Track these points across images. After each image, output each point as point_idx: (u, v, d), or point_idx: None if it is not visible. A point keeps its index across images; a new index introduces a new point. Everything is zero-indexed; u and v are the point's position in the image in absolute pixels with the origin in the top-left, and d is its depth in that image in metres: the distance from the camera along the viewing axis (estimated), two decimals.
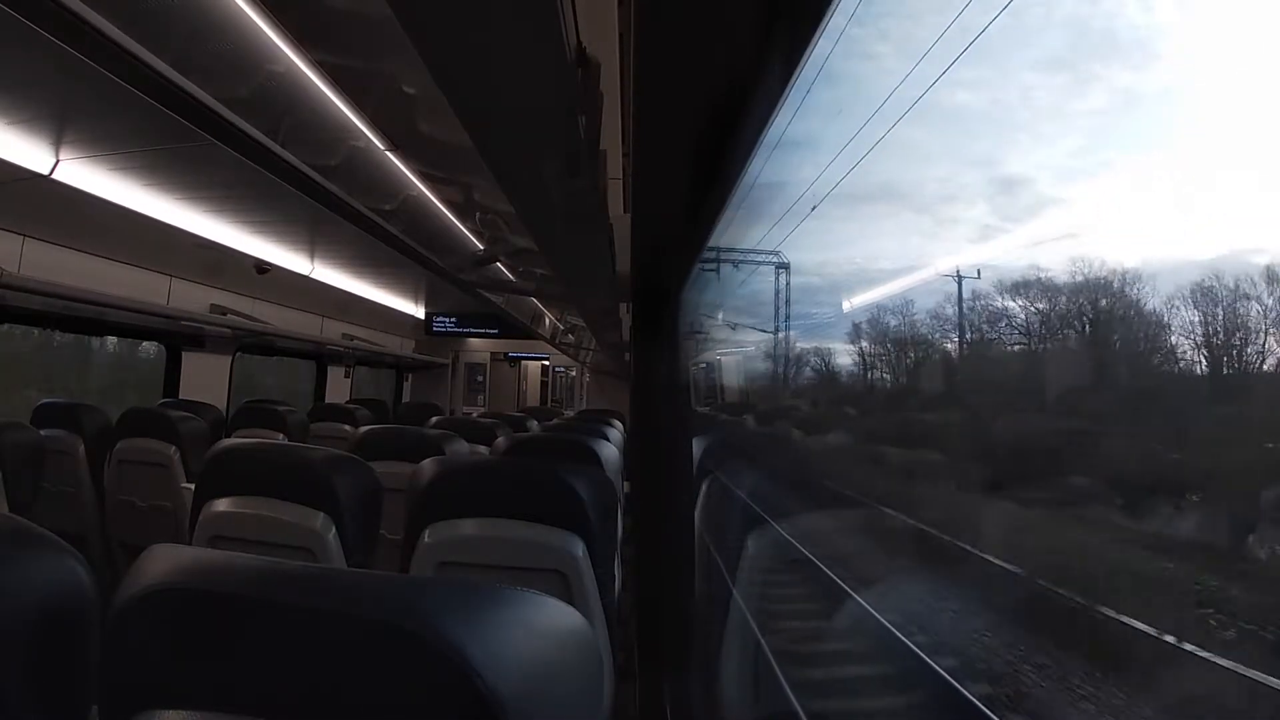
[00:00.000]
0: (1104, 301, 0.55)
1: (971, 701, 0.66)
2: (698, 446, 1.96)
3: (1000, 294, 0.64)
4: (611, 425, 3.39)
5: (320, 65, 1.65)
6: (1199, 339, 0.50)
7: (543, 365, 9.64)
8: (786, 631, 1.30)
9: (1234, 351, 0.48)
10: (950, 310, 0.72)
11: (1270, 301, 0.46)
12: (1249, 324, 0.46)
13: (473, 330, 7.14)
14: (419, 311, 6.57)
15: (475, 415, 4.77)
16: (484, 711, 0.47)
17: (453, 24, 0.98)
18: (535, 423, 4.12)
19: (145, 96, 1.55)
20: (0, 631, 0.59)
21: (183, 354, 4.17)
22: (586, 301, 3.94)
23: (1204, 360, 0.50)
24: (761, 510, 1.41)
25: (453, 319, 6.90)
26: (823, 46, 0.70)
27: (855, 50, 0.75)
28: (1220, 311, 0.47)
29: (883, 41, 0.77)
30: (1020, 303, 0.60)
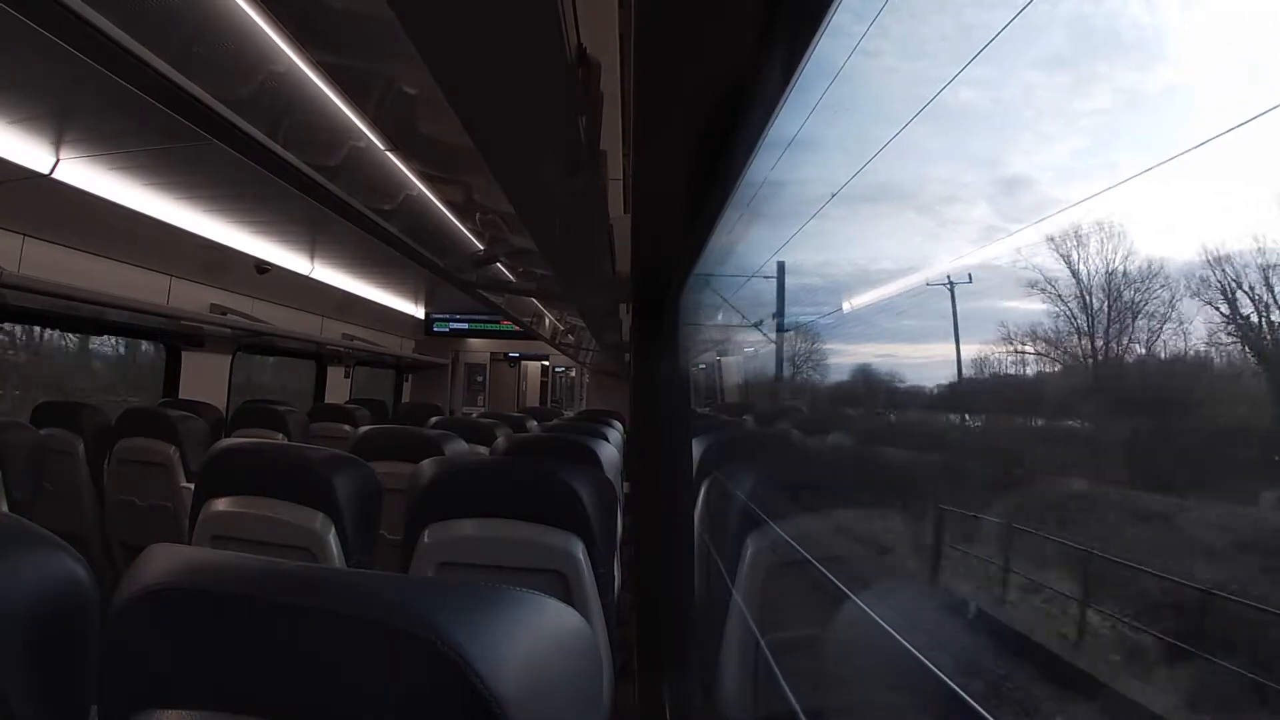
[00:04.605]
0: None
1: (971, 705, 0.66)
2: (697, 447, 1.96)
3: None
4: (611, 425, 3.39)
5: (320, 65, 1.64)
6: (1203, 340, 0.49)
7: (543, 365, 9.63)
8: (786, 632, 1.30)
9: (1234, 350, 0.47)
10: (950, 310, 0.72)
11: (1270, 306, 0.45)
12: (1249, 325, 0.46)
13: (473, 330, 7.14)
14: (419, 311, 6.58)
15: (475, 415, 4.76)
16: (483, 712, 0.46)
17: (453, 24, 0.98)
18: (535, 423, 4.12)
19: (145, 96, 1.55)
20: (0, 631, 0.59)
21: (182, 354, 4.17)
22: (586, 301, 3.93)
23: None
24: (761, 511, 1.41)
25: (453, 319, 6.91)
26: (824, 46, 0.70)
27: (857, 49, 0.75)
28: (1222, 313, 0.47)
29: (884, 40, 0.77)
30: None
